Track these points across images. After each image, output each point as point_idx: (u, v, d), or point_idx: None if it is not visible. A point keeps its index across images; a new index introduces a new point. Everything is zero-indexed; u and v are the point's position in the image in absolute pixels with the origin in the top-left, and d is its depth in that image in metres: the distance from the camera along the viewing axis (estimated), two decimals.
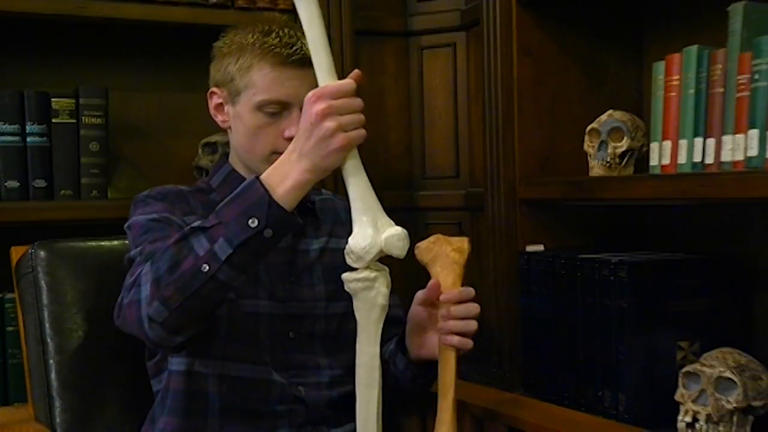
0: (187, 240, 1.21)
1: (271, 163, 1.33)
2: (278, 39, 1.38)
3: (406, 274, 1.51)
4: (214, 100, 1.47)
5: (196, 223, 1.23)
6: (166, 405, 1.40)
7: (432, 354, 1.40)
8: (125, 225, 1.42)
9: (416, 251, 1.38)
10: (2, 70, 1.88)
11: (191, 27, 1.92)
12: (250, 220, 1.17)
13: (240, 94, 1.41)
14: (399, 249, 1.21)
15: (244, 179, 1.42)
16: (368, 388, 1.26)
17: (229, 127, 1.47)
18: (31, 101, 1.77)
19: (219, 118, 1.47)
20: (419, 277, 1.45)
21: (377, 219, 1.21)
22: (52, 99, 1.80)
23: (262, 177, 1.21)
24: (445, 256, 1.37)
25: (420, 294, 1.40)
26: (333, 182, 2.04)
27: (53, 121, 1.79)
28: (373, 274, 1.22)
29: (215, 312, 1.31)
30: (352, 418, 1.38)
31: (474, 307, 1.36)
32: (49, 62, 1.93)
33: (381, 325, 1.25)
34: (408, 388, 1.50)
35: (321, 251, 1.51)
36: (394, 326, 1.49)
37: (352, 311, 1.50)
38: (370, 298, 1.23)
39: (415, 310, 1.42)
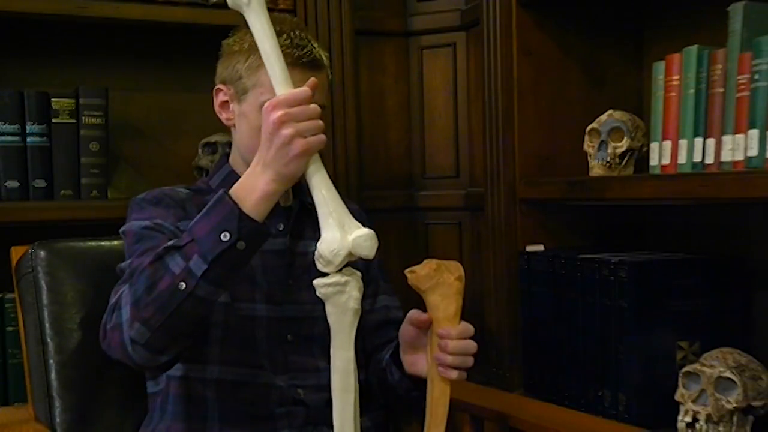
0: (163, 260, 1.22)
1: None
2: (289, 40, 1.37)
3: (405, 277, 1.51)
4: (219, 98, 1.46)
5: (170, 243, 1.24)
6: (166, 410, 1.40)
7: (422, 372, 1.39)
8: (120, 229, 1.42)
9: (411, 277, 1.34)
10: (2, 70, 1.88)
11: (191, 27, 1.92)
12: (222, 234, 1.18)
13: (247, 93, 1.40)
14: (367, 249, 1.21)
15: None
16: (344, 393, 1.26)
17: (233, 125, 1.46)
18: (31, 101, 1.77)
19: (223, 116, 1.47)
20: None
21: (344, 222, 1.22)
22: (52, 99, 1.79)
23: (231, 191, 1.22)
24: (448, 286, 1.33)
25: (414, 316, 1.37)
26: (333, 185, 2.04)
27: (53, 121, 1.79)
28: (344, 279, 1.22)
29: (197, 329, 1.30)
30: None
31: (473, 346, 1.34)
32: (49, 62, 1.93)
33: (354, 329, 1.25)
34: (404, 398, 1.50)
35: None
36: (395, 329, 1.49)
37: None
38: (341, 302, 1.22)
39: (406, 329, 1.40)
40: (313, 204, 1.52)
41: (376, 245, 1.22)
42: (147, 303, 1.21)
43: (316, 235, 1.50)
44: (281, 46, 1.34)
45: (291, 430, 1.41)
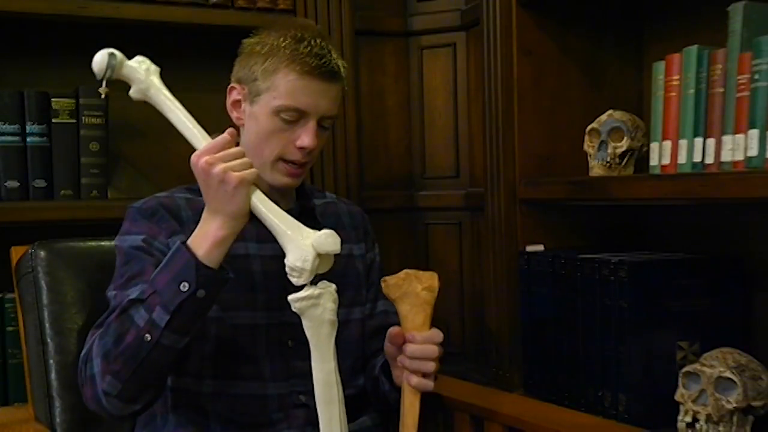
0: (128, 313, 1.26)
1: (277, 170, 1.40)
2: (309, 48, 1.37)
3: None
4: (232, 96, 1.45)
5: (133, 295, 1.27)
6: (168, 419, 1.41)
7: None
8: (114, 242, 1.42)
9: (383, 286, 1.36)
10: (2, 70, 1.88)
11: (191, 27, 1.92)
12: (182, 285, 1.21)
13: (260, 95, 1.40)
14: (331, 245, 1.23)
15: None
16: (329, 405, 1.26)
17: (242, 125, 1.46)
18: (31, 101, 1.77)
19: (234, 115, 1.46)
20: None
21: (300, 233, 1.24)
22: (52, 99, 1.80)
23: (189, 240, 1.25)
24: (415, 295, 1.34)
25: (390, 332, 1.38)
26: (333, 185, 2.05)
27: (53, 121, 1.80)
28: (317, 291, 1.23)
29: (167, 375, 1.33)
30: (355, 415, 1.40)
31: (432, 350, 1.34)
32: (49, 62, 1.93)
33: (333, 340, 1.25)
34: (395, 407, 1.49)
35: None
36: None
37: (352, 318, 1.51)
38: (317, 315, 1.24)
39: (387, 344, 1.41)
40: (314, 208, 1.52)
41: (338, 239, 1.24)
42: (116, 356, 1.25)
43: None
44: (301, 54, 1.36)
45: (291, 431, 1.41)
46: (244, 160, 1.26)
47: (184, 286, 1.21)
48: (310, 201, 1.52)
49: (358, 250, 1.57)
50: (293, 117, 1.38)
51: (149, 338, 1.23)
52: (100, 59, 1.31)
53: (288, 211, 1.45)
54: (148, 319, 1.23)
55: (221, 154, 1.24)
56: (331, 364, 1.26)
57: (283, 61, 1.37)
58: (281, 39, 1.39)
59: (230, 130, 1.28)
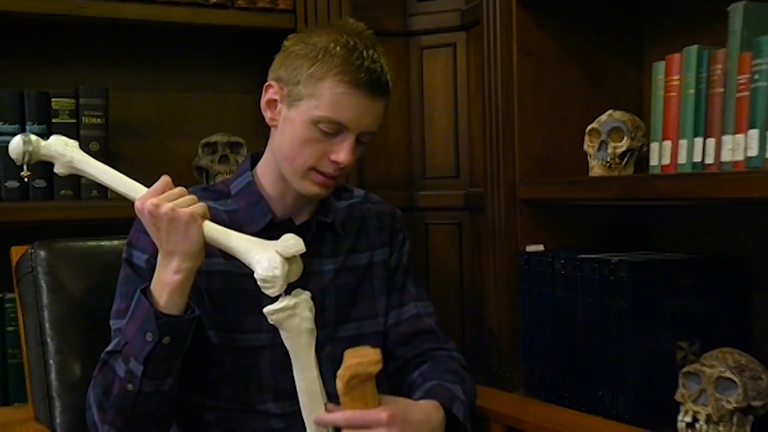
0: (109, 364, 1.28)
1: (308, 179, 1.34)
2: (360, 60, 1.29)
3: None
4: (269, 94, 1.36)
5: (110, 346, 1.29)
6: (171, 430, 1.41)
7: None
8: (123, 254, 1.39)
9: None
10: (2, 70, 1.88)
11: (191, 27, 1.92)
12: (147, 335, 1.21)
13: (301, 100, 1.31)
14: (294, 246, 1.21)
15: (260, 196, 1.39)
16: (313, 414, 1.25)
17: (276, 126, 1.37)
18: (31, 101, 1.77)
19: (268, 114, 1.37)
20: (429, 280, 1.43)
21: (262, 244, 1.22)
22: (52, 99, 1.80)
23: (151, 287, 1.24)
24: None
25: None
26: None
27: (53, 121, 1.79)
28: (292, 302, 1.21)
29: (161, 415, 1.32)
30: None
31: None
32: (49, 62, 1.93)
33: (313, 349, 1.24)
34: None
35: (335, 272, 1.44)
36: (427, 339, 1.48)
37: (366, 332, 1.46)
38: (294, 325, 1.22)
39: None
40: (333, 221, 1.44)
41: (300, 240, 1.21)
42: (108, 407, 1.27)
43: (335, 250, 1.44)
44: (352, 65, 1.28)
45: None
46: (190, 197, 1.23)
47: (149, 336, 1.21)
48: (329, 213, 1.44)
49: (380, 255, 1.50)
50: (332, 130, 1.30)
51: (131, 388, 1.24)
52: (14, 146, 1.28)
53: (304, 227, 1.41)
54: (126, 369, 1.24)
55: (164, 194, 1.22)
56: (313, 373, 1.24)
57: (332, 69, 1.29)
58: (332, 44, 1.30)
59: (163, 177, 1.25)
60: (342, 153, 1.31)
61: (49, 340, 1.51)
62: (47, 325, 1.51)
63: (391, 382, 1.50)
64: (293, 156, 1.33)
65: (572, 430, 1.56)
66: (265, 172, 1.42)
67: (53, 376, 1.50)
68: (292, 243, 1.21)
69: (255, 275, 1.20)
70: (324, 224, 1.44)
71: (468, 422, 1.36)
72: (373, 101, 1.31)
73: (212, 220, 1.25)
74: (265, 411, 1.39)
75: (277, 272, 1.19)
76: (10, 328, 1.74)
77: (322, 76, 1.29)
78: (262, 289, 1.21)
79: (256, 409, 1.38)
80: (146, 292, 1.24)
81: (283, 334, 1.23)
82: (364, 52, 1.30)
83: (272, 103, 1.36)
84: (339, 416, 1.24)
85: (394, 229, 1.54)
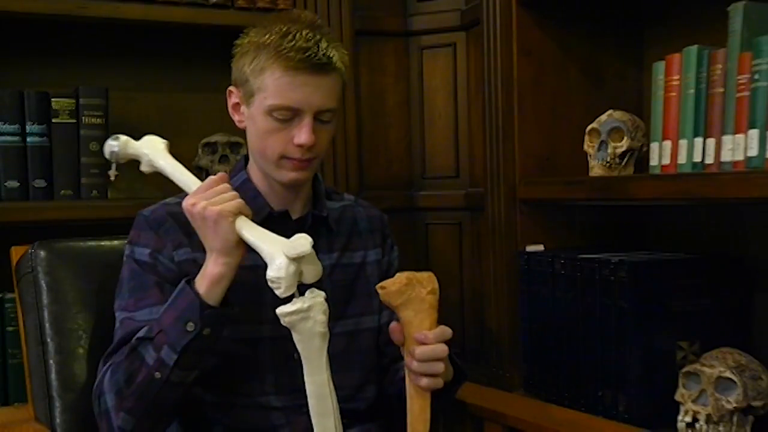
0: (137, 351, 1.27)
1: (282, 168, 1.37)
2: (293, 42, 1.31)
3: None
4: (232, 99, 1.42)
5: (141, 333, 1.28)
6: (172, 426, 1.40)
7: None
8: (124, 251, 1.41)
9: (382, 293, 1.27)
10: (2, 70, 1.87)
11: (191, 27, 1.92)
12: (188, 325, 1.23)
13: (254, 96, 1.35)
14: (303, 245, 1.21)
15: (257, 191, 1.43)
16: (323, 417, 1.25)
17: (245, 128, 1.42)
18: (31, 101, 1.77)
19: (236, 118, 1.43)
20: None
21: (275, 244, 1.23)
22: (52, 99, 1.79)
23: (195, 279, 1.27)
24: (420, 301, 1.26)
25: (393, 332, 1.33)
26: (333, 185, 2.04)
27: (53, 121, 1.79)
28: (306, 304, 1.21)
29: (180, 407, 1.33)
30: (360, 421, 1.39)
31: (441, 350, 1.27)
32: (49, 62, 1.93)
33: (325, 353, 1.24)
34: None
35: (332, 268, 1.46)
36: None
37: (362, 328, 1.48)
38: (308, 328, 1.22)
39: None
40: (327, 216, 1.48)
41: (308, 240, 1.21)
42: (128, 394, 1.27)
43: (330, 247, 1.47)
44: (284, 49, 1.31)
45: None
46: (227, 194, 1.26)
47: (190, 326, 1.23)
48: (323, 208, 1.48)
49: (373, 255, 1.53)
50: (286, 116, 1.33)
51: (159, 376, 1.25)
52: (105, 146, 1.40)
53: (300, 221, 1.45)
54: (156, 357, 1.25)
55: (205, 193, 1.27)
56: (323, 376, 1.24)
57: (269, 58, 1.32)
58: (266, 35, 1.33)
59: (220, 174, 1.30)
60: (303, 135, 1.34)
61: (49, 340, 1.51)
62: (47, 325, 1.51)
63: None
64: (262, 149, 1.38)
65: (572, 430, 1.56)
66: (252, 170, 1.47)
67: (53, 376, 1.50)
68: (298, 243, 1.21)
69: (266, 274, 1.22)
70: (319, 219, 1.46)
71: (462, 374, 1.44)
72: (317, 78, 1.33)
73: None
74: (266, 404, 1.39)
75: (282, 273, 1.20)
76: (10, 328, 1.74)
77: (262, 68, 1.33)
78: (273, 290, 1.22)
79: (256, 402, 1.39)
80: (190, 283, 1.26)
81: (295, 337, 1.23)
82: (297, 34, 1.32)
83: (237, 106, 1.42)
84: (438, 332, 1.27)
85: (385, 233, 1.59)
